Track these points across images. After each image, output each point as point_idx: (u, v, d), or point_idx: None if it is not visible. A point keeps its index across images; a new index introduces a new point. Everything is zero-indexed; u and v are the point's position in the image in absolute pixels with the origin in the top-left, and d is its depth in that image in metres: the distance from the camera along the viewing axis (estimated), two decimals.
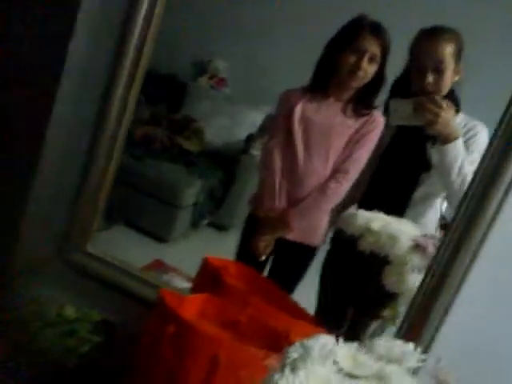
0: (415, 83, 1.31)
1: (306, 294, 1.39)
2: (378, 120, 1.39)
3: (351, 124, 1.40)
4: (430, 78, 1.28)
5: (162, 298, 0.99)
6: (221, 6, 1.71)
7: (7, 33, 1.23)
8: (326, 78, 1.41)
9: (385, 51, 1.35)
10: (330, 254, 1.40)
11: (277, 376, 0.67)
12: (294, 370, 0.70)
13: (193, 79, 1.89)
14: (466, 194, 0.96)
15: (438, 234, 1.34)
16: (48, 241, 1.23)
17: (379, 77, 1.37)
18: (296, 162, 1.42)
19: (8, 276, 1.23)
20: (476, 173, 0.96)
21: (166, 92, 1.84)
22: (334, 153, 1.40)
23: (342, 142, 1.40)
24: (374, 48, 1.35)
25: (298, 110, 1.41)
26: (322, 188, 1.41)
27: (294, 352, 0.72)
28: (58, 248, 1.22)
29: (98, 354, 1.07)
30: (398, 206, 1.32)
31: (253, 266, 1.36)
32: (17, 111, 1.24)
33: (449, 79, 1.31)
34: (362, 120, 1.40)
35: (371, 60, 1.36)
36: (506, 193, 0.94)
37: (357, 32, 1.36)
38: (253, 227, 1.51)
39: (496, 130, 0.95)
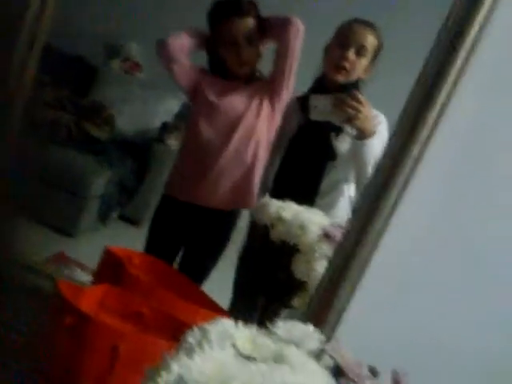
0: (332, 59, 1.34)
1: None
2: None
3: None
4: (351, 55, 1.32)
5: (58, 290, 0.92)
6: None
7: None
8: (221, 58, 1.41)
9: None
10: (245, 244, 1.38)
11: (171, 360, 0.63)
12: (189, 354, 0.67)
13: (103, 62, 1.80)
14: (367, 184, 0.98)
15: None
16: None
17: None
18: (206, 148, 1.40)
19: None
20: (378, 163, 0.98)
21: (74, 75, 1.73)
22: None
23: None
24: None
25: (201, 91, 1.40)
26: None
27: (191, 337, 0.69)
28: None
29: None
30: (307, 195, 1.33)
31: (165, 254, 1.31)
32: None
33: (361, 69, 1.35)
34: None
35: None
36: (404, 183, 0.96)
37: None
38: (166, 212, 1.47)
39: (398, 124, 0.98)
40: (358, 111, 1.24)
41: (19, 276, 1.14)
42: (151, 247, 1.41)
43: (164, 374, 0.61)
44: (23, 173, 1.36)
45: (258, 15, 1.39)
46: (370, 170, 1.24)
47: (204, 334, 0.67)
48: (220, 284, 1.38)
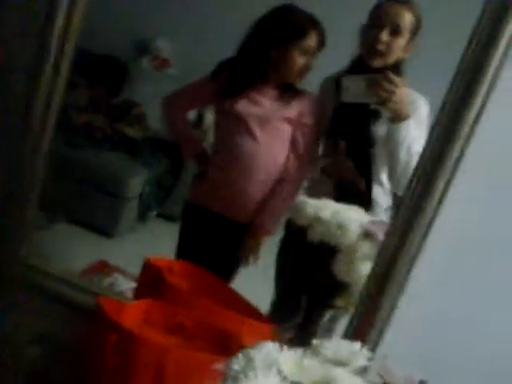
0: (367, 42, 1.28)
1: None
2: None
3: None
4: (385, 37, 1.26)
5: (100, 307, 0.93)
6: None
7: None
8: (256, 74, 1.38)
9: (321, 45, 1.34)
10: (282, 243, 1.36)
11: None
12: (236, 382, 0.66)
13: (134, 60, 1.78)
14: (411, 179, 0.94)
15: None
16: None
17: None
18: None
19: None
20: (422, 155, 0.94)
21: (105, 74, 1.72)
22: None
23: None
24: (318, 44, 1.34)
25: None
26: None
27: (236, 364, 0.68)
28: None
29: (38, 367, 1.01)
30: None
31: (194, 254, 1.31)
32: None
33: (400, 49, 1.28)
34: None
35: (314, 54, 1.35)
36: (451, 175, 0.92)
37: (304, 31, 1.33)
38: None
39: (442, 109, 0.93)
40: (392, 93, 1.19)
41: (56, 288, 1.14)
42: (180, 248, 1.42)
43: None
44: (60, 176, 1.37)
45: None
46: (402, 155, 1.20)
47: (248, 360, 0.67)
48: (258, 284, 1.36)
